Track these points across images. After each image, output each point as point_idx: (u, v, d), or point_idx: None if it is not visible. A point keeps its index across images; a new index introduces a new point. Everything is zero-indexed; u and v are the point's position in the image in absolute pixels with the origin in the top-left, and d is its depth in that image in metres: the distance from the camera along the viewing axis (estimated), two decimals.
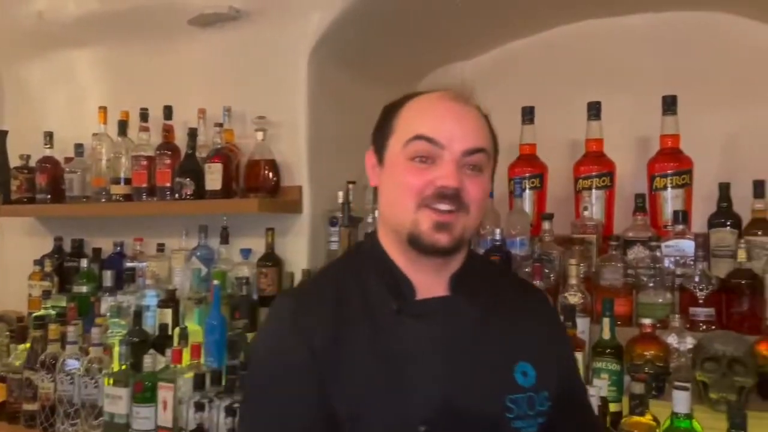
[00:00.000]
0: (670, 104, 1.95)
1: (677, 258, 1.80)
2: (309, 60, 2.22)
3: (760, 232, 1.77)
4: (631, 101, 2.28)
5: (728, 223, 1.83)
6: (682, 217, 1.83)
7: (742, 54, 2.25)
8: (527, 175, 2.16)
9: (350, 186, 2.24)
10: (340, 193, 2.18)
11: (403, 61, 2.56)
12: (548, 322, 1.11)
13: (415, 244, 0.98)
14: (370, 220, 2.17)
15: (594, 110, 2.07)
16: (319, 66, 2.25)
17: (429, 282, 1.02)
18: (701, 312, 1.69)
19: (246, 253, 2.22)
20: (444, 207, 0.96)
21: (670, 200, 1.92)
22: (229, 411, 1.70)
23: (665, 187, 1.94)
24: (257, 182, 2.15)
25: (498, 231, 1.99)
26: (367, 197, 2.24)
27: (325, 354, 0.96)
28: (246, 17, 2.30)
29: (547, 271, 1.88)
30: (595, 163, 2.07)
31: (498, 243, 1.99)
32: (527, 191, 2.16)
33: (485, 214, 1.04)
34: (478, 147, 0.98)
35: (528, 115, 2.18)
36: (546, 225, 2.00)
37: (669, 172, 1.94)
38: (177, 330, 2.06)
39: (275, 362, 1.00)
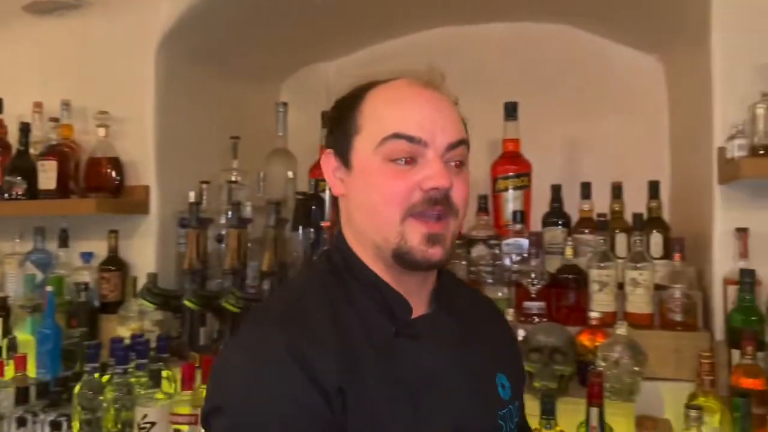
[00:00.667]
0: (511, 111, 2.05)
1: (515, 255, 1.89)
2: (157, 53, 2.12)
3: (586, 231, 1.90)
4: (483, 107, 2.37)
5: (559, 222, 1.95)
6: (520, 216, 1.93)
7: (584, 65, 2.42)
8: None
9: (204, 186, 2.17)
10: (192, 193, 2.10)
11: (264, 59, 2.52)
12: (505, 330, 1.08)
13: (403, 261, 0.85)
14: (222, 221, 2.11)
15: None
16: (169, 60, 2.16)
17: (414, 299, 0.90)
18: (534, 306, 1.78)
19: (87, 256, 2.09)
20: (435, 212, 0.84)
21: (511, 201, 2.02)
22: (55, 425, 1.59)
23: (506, 189, 2.03)
24: (98, 181, 2.03)
25: None
26: (223, 197, 2.19)
27: (340, 395, 0.79)
28: (88, 6, 2.17)
29: None
30: None
31: None
32: None
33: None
34: (461, 139, 0.87)
35: None
36: None
37: (510, 174, 2.03)
38: (5, 340, 1.90)
39: (281, 415, 0.77)
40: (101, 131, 2.04)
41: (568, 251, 1.81)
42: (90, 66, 2.16)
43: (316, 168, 2.21)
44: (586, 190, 1.96)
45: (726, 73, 1.67)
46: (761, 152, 1.51)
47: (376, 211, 0.86)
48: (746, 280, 1.54)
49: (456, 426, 0.84)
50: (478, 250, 1.95)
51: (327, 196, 2.14)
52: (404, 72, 0.92)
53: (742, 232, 1.61)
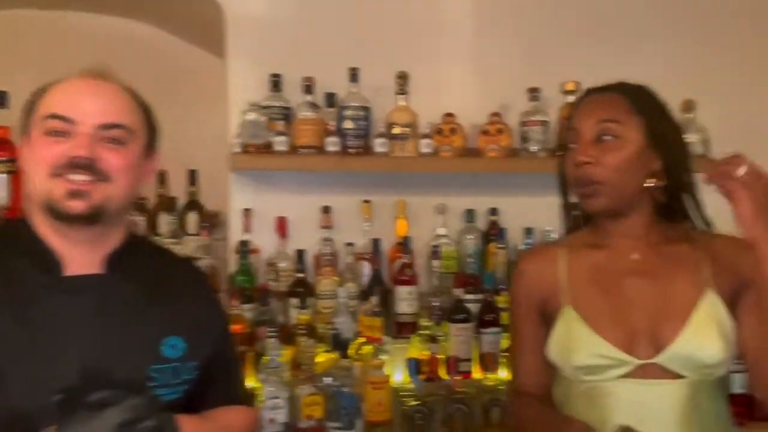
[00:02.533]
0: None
1: None
2: None
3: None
4: None
5: None
6: None
7: (160, 61, 2.64)
8: None
9: None
10: None
11: None
12: (204, 297, 1.20)
13: (51, 211, 1.01)
14: None
15: None
16: None
17: (82, 258, 1.05)
18: None
19: None
20: (77, 177, 1.00)
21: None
22: None
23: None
24: None
25: None
26: None
27: None
28: None
29: None
30: (2, 150, 2.15)
31: None
32: None
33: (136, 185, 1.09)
34: (114, 122, 1.03)
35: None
36: None
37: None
38: None
39: None
40: None
41: None
42: None
43: None
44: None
45: (237, 83, 2.07)
46: (250, 150, 1.92)
47: (33, 173, 1.03)
48: (243, 249, 1.96)
49: (83, 366, 0.99)
50: None
51: None
52: (86, 68, 1.09)
53: (246, 212, 2.03)
